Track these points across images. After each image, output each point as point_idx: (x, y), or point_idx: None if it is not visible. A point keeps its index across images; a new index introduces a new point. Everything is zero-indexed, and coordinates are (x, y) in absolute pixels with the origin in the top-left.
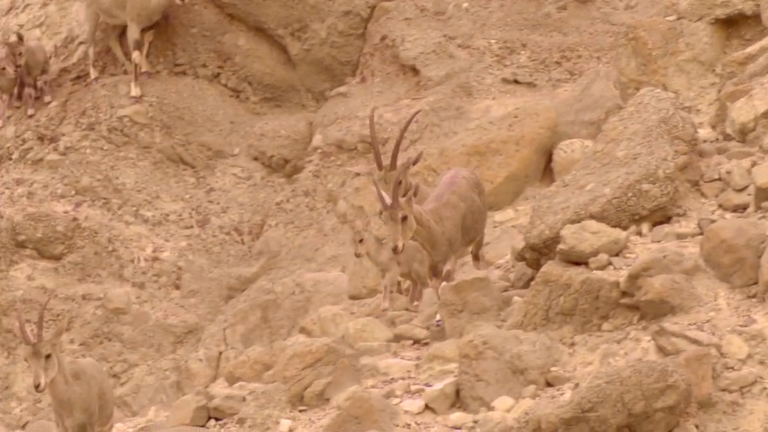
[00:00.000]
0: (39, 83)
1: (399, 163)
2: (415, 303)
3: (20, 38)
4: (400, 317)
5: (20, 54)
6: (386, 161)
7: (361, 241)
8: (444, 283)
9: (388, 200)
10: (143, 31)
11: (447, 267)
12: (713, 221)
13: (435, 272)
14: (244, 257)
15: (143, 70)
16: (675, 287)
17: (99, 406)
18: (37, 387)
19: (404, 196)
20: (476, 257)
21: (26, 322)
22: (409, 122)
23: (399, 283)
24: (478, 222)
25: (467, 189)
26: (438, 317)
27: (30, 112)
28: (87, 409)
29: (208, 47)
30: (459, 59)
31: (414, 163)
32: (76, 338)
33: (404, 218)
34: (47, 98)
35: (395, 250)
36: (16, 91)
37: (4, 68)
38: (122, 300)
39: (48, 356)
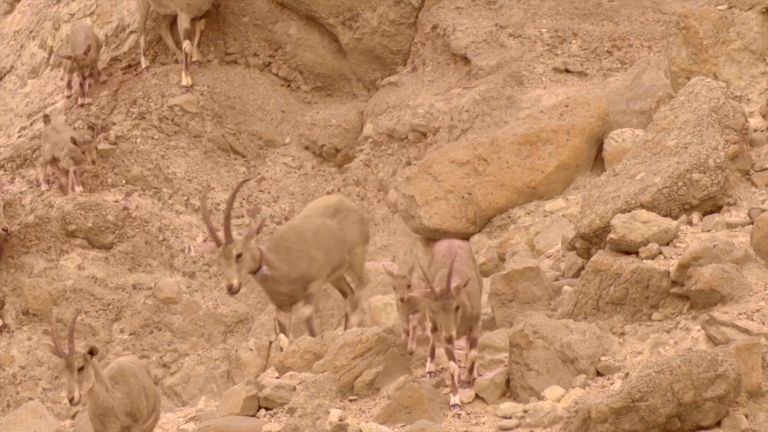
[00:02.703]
0: (87, 82)
1: (235, 234)
2: None
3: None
4: None
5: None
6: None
7: (409, 286)
8: (474, 351)
9: (437, 289)
10: (195, 20)
11: (474, 335)
12: (764, 210)
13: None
14: None
15: (194, 59)
16: (725, 276)
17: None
18: (71, 400)
19: (255, 267)
20: (472, 344)
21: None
22: (235, 192)
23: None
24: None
25: (467, 260)
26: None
27: (84, 101)
28: (130, 412)
29: (259, 36)
30: (510, 48)
31: (257, 232)
32: (126, 328)
33: (457, 308)
34: (87, 100)
35: (450, 340)
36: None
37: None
38: (173, 289)
39: (81, 368)
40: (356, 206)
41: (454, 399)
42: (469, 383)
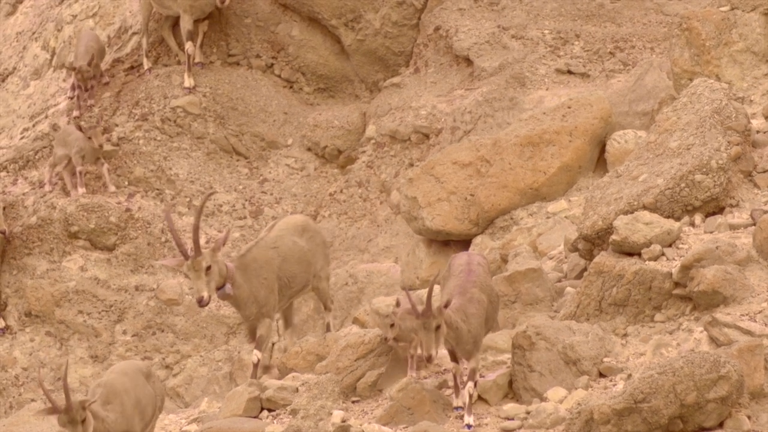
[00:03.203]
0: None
1: (203, 247)
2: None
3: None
4: None
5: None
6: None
7: (392, 325)
8: (471, 384)
9: (420, 308)
10: (198, 21)
11: (472, 365)
12: (766, 212)
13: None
14: None
15: (197, 60)
16: (727, 278)
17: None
18: None
19: (221, 282)
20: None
21: (79, 312)
22: (203, 205)
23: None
24: (496, 311)
25: (485, 277)
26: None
27: (90, 102)
28: (127, 430)
29: (262, 38)
30: (512, 50)
31: (223, 244)
32: (129, 329)
33: (437, 327)
34: (90, 101)
35: (429, 359)
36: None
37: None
38: (175, 291)
39: (83, 420)
40: (320, 228)
41: (457, 401)
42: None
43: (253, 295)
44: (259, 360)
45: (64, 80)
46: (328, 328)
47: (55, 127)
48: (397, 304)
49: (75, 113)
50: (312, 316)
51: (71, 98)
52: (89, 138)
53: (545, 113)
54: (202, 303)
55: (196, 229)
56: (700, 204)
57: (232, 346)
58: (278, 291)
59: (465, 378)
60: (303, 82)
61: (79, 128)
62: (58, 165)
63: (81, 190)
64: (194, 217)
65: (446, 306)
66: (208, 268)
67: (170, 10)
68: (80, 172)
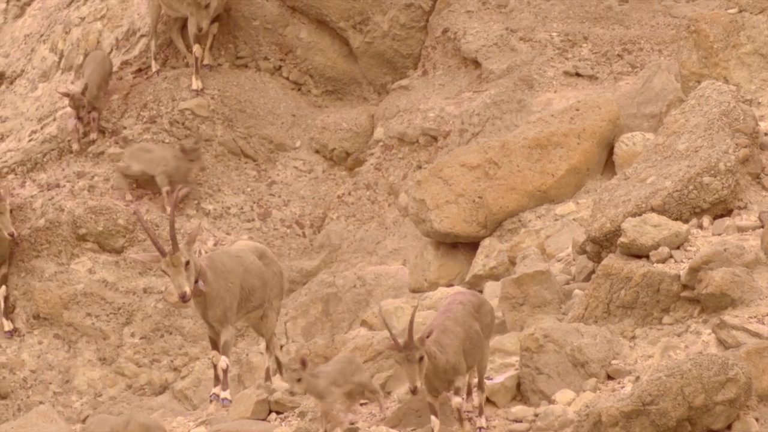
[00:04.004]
0: (90, 116)
1: (180, 243)
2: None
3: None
4: None
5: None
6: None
7: (299, 380)
8: (457, 398)
9: (401, 340)
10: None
11: (457, 384)
12: None
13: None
14: (305, 250)
15: (205, 62)
16: (736, 280)
17: None
18: (182, 297)
19: (196, 278)
20: (479, 386)
21: (87, 315)
22: (175, 200)
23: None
24: (476, 348)
25: (464, 314)
26: None
27: (93, 136)
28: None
29: (270, 40)
30: (521, 52)
31: (195, 240)
32: (137, 332)
33: (421, 358)
34: (93, 135)
35: (414, 391)
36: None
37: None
38: None
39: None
40: (277, 261)
41: (480, 421)
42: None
43: (220, 296)
44: (228, 366)
45: (72, 82)
46: (267, 375)
47: (126, 141)
48: (303, 364)
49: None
50: (320, 319)
51: (78, 120)
52: (191, 161)
53: (553, 115)
54: (185, 298)
55: (172, 225)
56: (708, 206)
57: (240, 348)
58: (238, 302)
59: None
60: (311, 84)
61: (182, 149)
62: (126, 177)
63: (169, 209)
64: (169, 212)
65: (428, 336)
66: (187, 263)
67: (178, 12)
68: (167, 192)
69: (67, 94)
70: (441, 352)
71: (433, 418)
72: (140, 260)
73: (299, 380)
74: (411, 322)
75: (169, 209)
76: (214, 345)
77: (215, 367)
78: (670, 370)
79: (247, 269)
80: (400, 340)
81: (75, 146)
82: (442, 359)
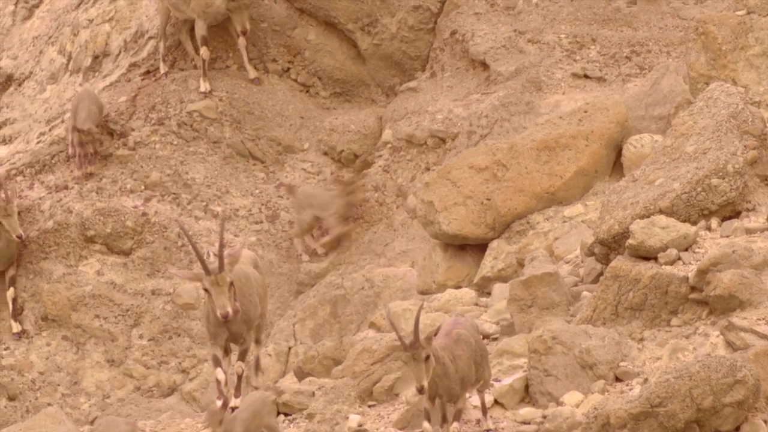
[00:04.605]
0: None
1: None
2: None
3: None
4: (469, 313)
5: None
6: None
7: (221, 422)
8: (456, 424)
9: (407, 340)
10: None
11: (458, 406)
12: None
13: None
14: (313, 252)
15: (251, 77)
16: (744, 282)
17: None
18: None
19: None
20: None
21: (96, 317)
22: (223, 223)
23: None
24: (484, 360)
25: (472, 329)
26: None
27: (91, 169)
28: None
29: (278, 42)
30: (529, 54)
31: (238, 260)
32: (145, 334)
33: (427, 357)
34: (90, 168)
35: (420, 390)
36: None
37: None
38: (191, 295)
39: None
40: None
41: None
42: None
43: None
44: (244, 371)
45: (80, 84)
46: (257, 364)
47: (291, 190)
48: (224, 405)
49: (76, 173)
50: (328, 320)
51: (72, 156)
52: (351, 192)
53: (561, 117)
54: (228, 318)
55: (221, 246)
56: (716, 208)
57: None
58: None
59: (450, 418)
60: (319, 86)
61: (341, 183)
62: (306, 232)
63: (321, 250)
64: (219, 234)
65: (435, 334)
66: (231, 283)
67: (185, 15)
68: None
69: (82, 130)
70: (451, 360)
71: (425, 423)
72: (181, 277)
73: (221, 422)
74: (417, 322)
75: (220, 234)
76: (217, 362)
77: (238, 377)
78: (678, 372)
79: (254, 284)
80: (407, 341)
81: (77, 173)
82: (452, 368)
